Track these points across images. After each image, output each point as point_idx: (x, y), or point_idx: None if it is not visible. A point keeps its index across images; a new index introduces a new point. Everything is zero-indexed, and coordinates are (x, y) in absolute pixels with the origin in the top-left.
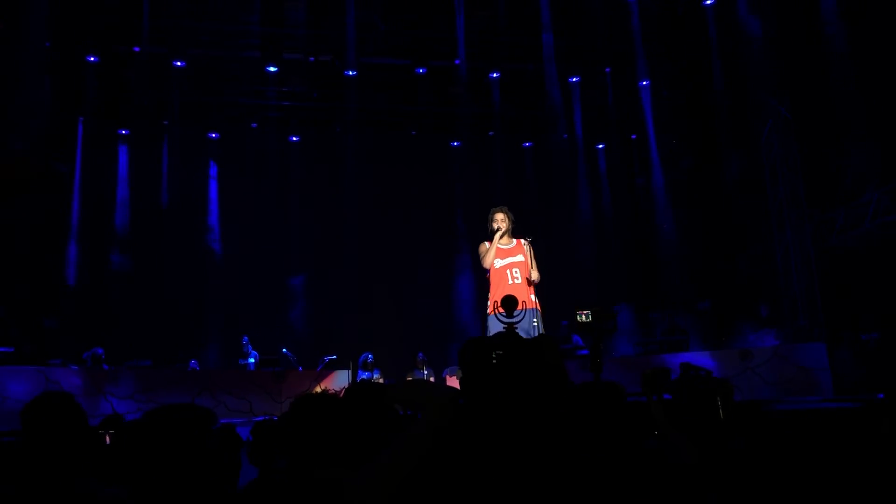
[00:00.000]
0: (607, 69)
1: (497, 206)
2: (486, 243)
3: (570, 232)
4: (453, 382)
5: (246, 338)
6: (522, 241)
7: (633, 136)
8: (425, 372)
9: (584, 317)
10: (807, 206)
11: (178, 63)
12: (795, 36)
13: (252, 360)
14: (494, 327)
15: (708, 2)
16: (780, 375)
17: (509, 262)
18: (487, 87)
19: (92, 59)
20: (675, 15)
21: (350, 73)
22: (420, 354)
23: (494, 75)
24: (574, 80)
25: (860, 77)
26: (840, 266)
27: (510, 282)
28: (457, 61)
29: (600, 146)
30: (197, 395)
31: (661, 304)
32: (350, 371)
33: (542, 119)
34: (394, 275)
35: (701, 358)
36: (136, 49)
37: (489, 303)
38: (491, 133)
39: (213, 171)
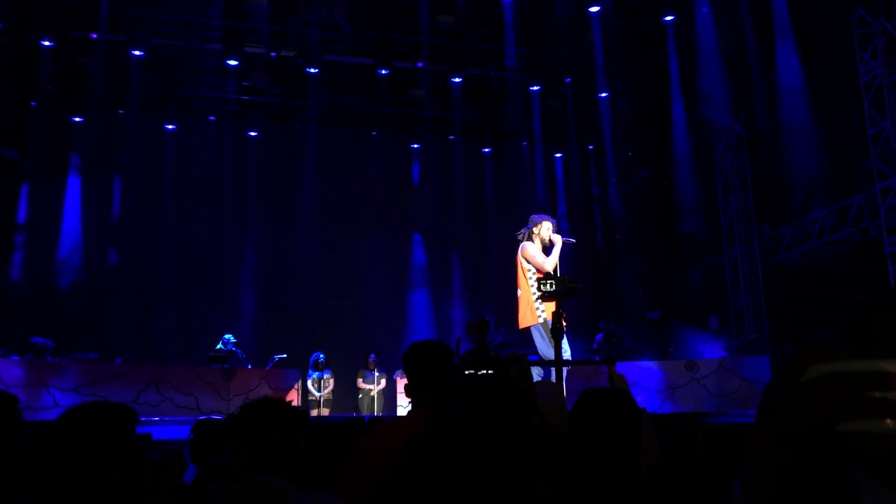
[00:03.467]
0: (567, 79)
1: (538, 213)
2: (534, 250)
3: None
4: (404, 384)
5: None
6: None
7: (591, 147)
8: (376, 373)
9: (549, 285)
10: (756, 221)
11: (137, 52)
12: (751, 57)
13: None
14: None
15: (668, 18)
16: (724, 388)
17: None
18: (449, 92)
19: (47, 43)
20: (637, 29)
21: (312, 70)
22: (372, 355)
23: (456, 80)
24: (535, 88)
25: (812, 99)
26: (786, 281)
27: None
28: (419, 64)
29: (558, 155)
30: (143, 391)
31: (611, 313)
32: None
33: (502, 126)
34: (347, 274)
35: (648, 368)
36: (94, 36)
37: (546, 310)
38: (451, 137)
39: (169, 162)
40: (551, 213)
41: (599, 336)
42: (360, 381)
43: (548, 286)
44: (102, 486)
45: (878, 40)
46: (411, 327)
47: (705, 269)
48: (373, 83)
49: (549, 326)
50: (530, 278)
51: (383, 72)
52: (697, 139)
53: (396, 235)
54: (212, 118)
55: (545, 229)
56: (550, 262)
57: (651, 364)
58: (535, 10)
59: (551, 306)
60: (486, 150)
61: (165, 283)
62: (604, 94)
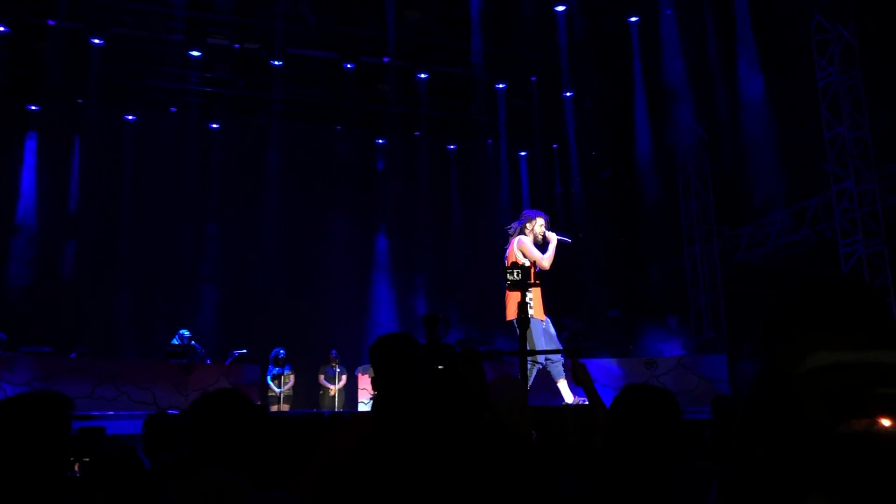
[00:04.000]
0: (533, 78)
1: (531, 209)
2: (531, 245)
3: (490, 236)
4: (365, 381)
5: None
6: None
7: (555, 146)
8: (337, 369)
9: (515, 274)
10: (716, 222)
11: (97, 41)
12: (713, 60)
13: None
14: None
15: (633, 19)
16: (682, 385)
17: None
18: (415, 87)
19: (2, 29)
20: (601, 29)
21: (276, 63)
22: (333, 352)
23: (422, 76)
24: (500, 86)
25: (772, 103)
26: (744, 281)
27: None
28: (385, 59)
29: (523, 153)
30: (98, 385)
31: (572, 311)
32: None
33: (468, 123)
34: (310, 269)
35: (607, 365)
36: (52, 22)
37: (535, 304)
38: (416, 133)
39: (128, 152)
40: (514, 212)
41: (565, 334)
42: (321, 377)
43: (514, 275)
44: (37, 475)
45: (834, 47)
46: (374, 323)
47: (666, 269)
48: (338, 77)
49: (536, 321)
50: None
51: (349, 66)
52: (660, 140)
53: (360, 231)
54: (173, 109)
55: (538, 225)
56: (548, 259)
57: (611, 362)
58: (501, 9)
59: (539, 303)
60: (452, 146)
61: (124, 277)
62: (569, 94)
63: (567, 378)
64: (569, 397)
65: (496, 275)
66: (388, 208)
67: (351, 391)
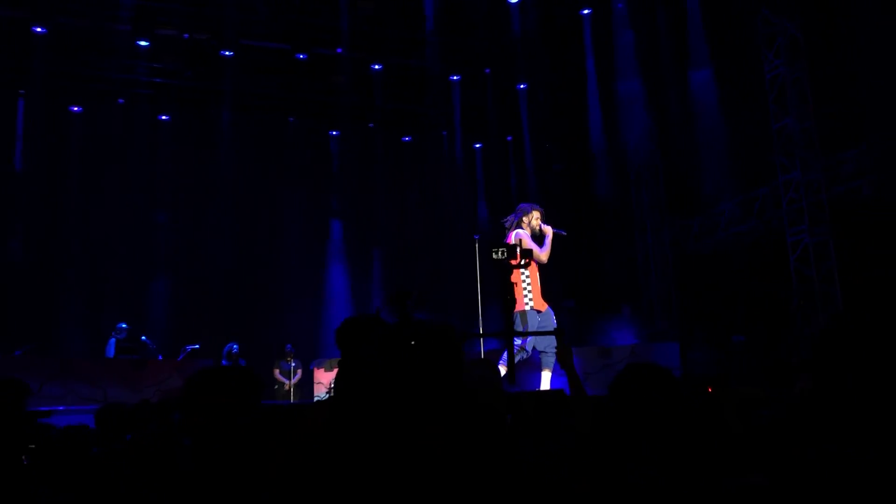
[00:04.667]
0: (487, 70)
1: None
2: (528, 238)
3: (446, 228)
4: (321, 375)
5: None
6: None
7: (510, 138)
8: (293, 364)
9: (499, 253)
10: (667, 213)
11: (39, 29)
12: (664, 52)
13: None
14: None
15: (585, 11)
16: None
17: None
18: (369, 79)
19: None
20: (555, 21)
21: (227, 53)
22: (288, 346)
23: (376, 67)
24: (455, 78)
25: (722, 95)
26: (695, 271)
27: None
28: (339, 50)
29: (478, 145)
30: (46, 383)
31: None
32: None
33: (423, 115)
34: (263, 262)
35: None
36: None
37: (535, 295)
38: (371, 125)
39: (75, 145)
40: (470, 204)
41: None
42: (276, 371)
43: (499, 254)
44: None
45: (780, 39)
46: (329, 317)
47: (619, 259)
48: (291, 68)
49: (529, 314)
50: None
51: (301, 57)
52: (612, 132)
53: (314, 223)
54: (121, 101)
55: (535, 218)
56: (545, 252)
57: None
58: (455, 0)
59: (538, 294)
60: (406, 138)
61: (71, 272)
62: (522, 86)
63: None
64: (545, 387)
65: (452, 267)
66: (342, 201)
67: (306, 386)
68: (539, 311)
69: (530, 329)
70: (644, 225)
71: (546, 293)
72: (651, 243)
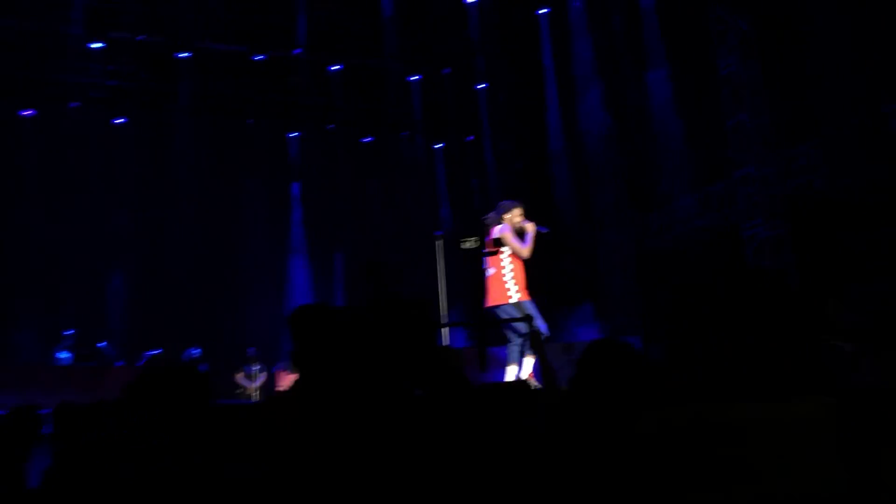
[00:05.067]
0: (446, 70)
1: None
2: (511, 234)
3: (408, 228)
4: (284, 379)
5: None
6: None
7: (471, 138)
8: (256, 367)
9: (470, 243)
10: (628, 208)
11: None
12: (621, 50)
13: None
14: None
15: (542, 11)
16: None
17: None
18: (328, 80)
19: None
20: (512, 20)
21: (183, 55)
22: (251, 350)
23: (335, 68)
24: (414, 78)
25: (677, 92)
26: (656, 265)
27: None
28: (296, 51)
29: (439, 146)
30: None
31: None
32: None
33: (383, 115)
34: (224, 266)
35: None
36: None
37: (520, 287)
38: (331, 126)
39: (27, 149)
40: (431, 204)
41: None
42: (239, 376)
43: (469, 243)
44: None
45: (733, 37)
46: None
47: (580, 256)
48: (248, 70)
49: (523, 303)
50: (503, 260)
51: (259, 58)
52: (571, 130)
53: (276, 226)
54: (74, 104)
55: (517, 215)
56: (528, 249)
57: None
58: (413, 0)
59: (523, 287)
60: (367, 139)
61: (27, 279)
62: (482, 86)
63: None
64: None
65: (416, 265)
66: (303, 203)
67: (270, 390)
68: (525, 300)
69: (528, 312)
70: (604, 221)
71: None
72: (612, 239)
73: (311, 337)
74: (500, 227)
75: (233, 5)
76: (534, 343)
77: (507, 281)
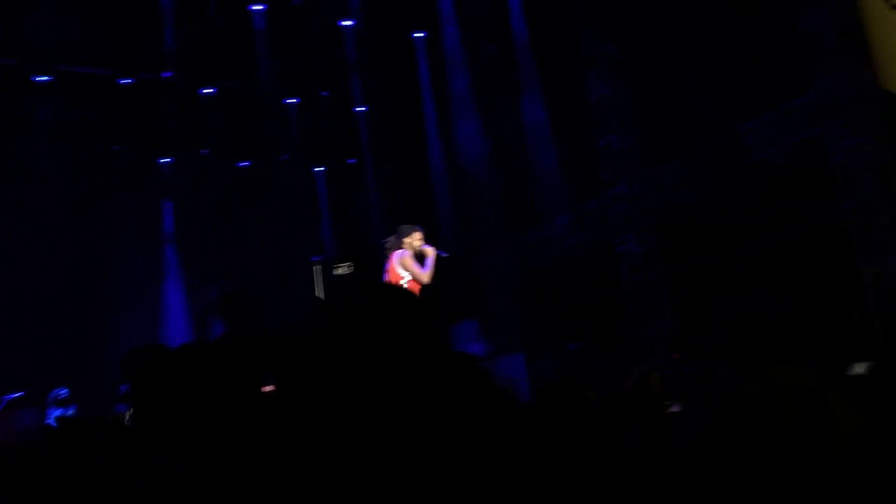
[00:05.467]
0: (325, 93)
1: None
2: (412, 259)
3: (287, 254)
4: None
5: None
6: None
7: (353, 161)
8: (129, 407)
9: (343, 269)
10: (508, 229)
11: None
12: (496, 74)
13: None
14: None
15: (418, 34)
16: None
17: None
18: (200, 104)
19: None
20: (389, 44)
21: (41, 79)
22: (123, 387)
23: (207, 91)
24: (292, 101)
25: (552, 115)
26: (537, 283)
27: None
28: (165, 74)
29: (320, 169)
30: None
31: None
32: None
33: (260, 139)
34: (92, 299)
35: None
36: None
37: None
38: (204, 151)
39: None
40: (312, 229)
41: None
42: (113, 414)
43: (341, 270)
44: None
45: (602, 60)
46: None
47: (465, 276)
48: (114, 94)
49: None
50: (402, 284)
51: (125, 82)
52: (451, 153)
53: (148, 255)
54: None
55: (417, 240)
56: (428, 274)
57: None
58: (287, 23)
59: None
60: (244, 164)
61: None
62: (361, 109)
63: None
64: None
65: (295, 292)
66: (177, 229)
67: None
68: None
69: None
70: (486, 242)
71: None
72: (494, 259)
73: (144, 381)
74: (399, 251)
75: (96, 28)
76: None
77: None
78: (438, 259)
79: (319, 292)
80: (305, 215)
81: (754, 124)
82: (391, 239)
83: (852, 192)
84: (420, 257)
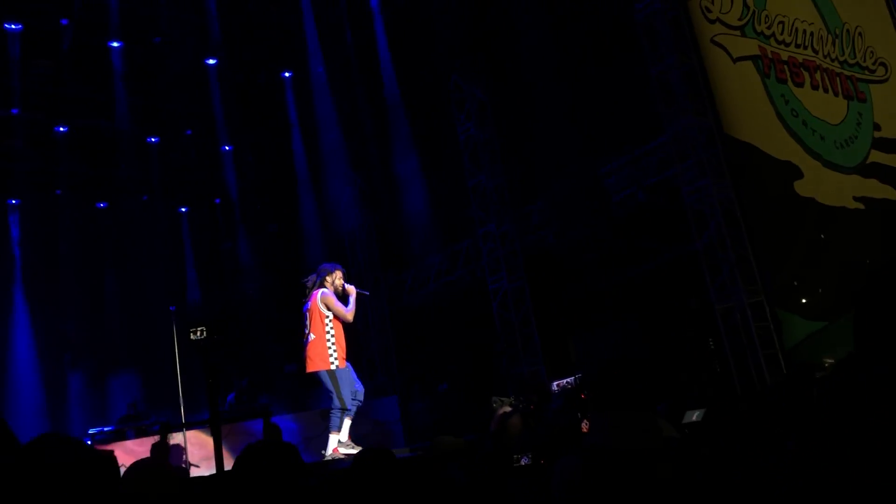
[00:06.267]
0: (188, 132)
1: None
2: (334, 298)
3: (148, 299)
4: None
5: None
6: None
7: (218, 200)
8: None
9: (197, 333)
10: (381, 269)
11: None
12: (365, 114)
13: None
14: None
15: (286, 74)
16: (357, 431)
17: None
18: (53, 143)
19: None
20: (256, 83)
21: None
22: None
23: (61, 129)
24: (153, 140)
25: (422, 154)
26: (411, 323)
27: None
28: (14, 111)
29: (183, 209)
30: None
31: (249, 369)
32: None
33: (118, 179)
34: None
35: (283, 421)
36: None
37: (339, 354)
38: (58, 192)
39: None
40: (179, 270)
41: (231, 396)
42: None
43: (197, 334)
44: None
45: (470, 104)
46: (20, 418)
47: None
48: None
49: (338, 372)
50: (327, 324)
51: None
52: (321, 193)
53: None
54: None
55: (338, 278)
56: (351, 312)
57: (287, 417)
58: (147, 59)
59: (342, 353)
60: (101, 204)
61: None
62: (227, 147)
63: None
64: (329, 450)
65: (156, 344)
66: (27, 276)
67: None
68: (342, 369)
69: (341, 385)
70: (361, 282)
71: (268, 357)
72: (367, 300)
73: None
74: (321, 290)
75: None
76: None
77: (329, 346)
78: (359, 297)
79: (176, 343)
80: (168, 257)
81: (614, 166)
82: (311, 277)
83: (703, 230)
84: (342, 296)
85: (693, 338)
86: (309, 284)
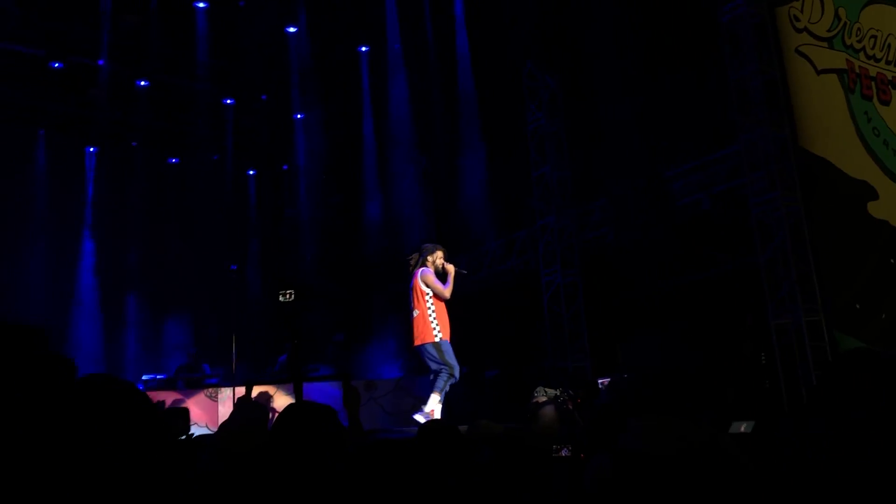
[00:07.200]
0: (263, 97)
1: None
2: (434, 276)
3: (212, 256)
4: None
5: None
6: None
7: (286, 167)
8: None
9: (286, 296)
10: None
11: None
12: (435, 96)
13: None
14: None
15: (363, 48)
16: (399, 406)
17: None
18: (133, 95)
19: None
20: (333, 54)
21: None
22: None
23: (142, 83)
24: (228, 101)
25: (488, 142)
26: (461, 307)
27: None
28: (100, 62)
29: (251, 172)
30: None
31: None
32: None
33: (192, 136)
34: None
35: (329, 388)
36: None
37: (442, 328)
38: (134, 143)
39: None
40: (240, 231)
41: (282, 357)
42: None
43: (284, 298)
44: None
45: (542, 93)
46: (79, 357)
47: (390, 295)
48: (43, 77)
49: (443, 344)
50: (428, 301)
51: (56, 66)
52: (385, 170)
53: (65, 246)
54: None
55: (439, 258)
56: (449, 290)
57: (334, 384)
58: (230, 22)
59: (445, 328)
60: (174, 160)
61: None
62: (299, 116)
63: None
64: (429, 408)
65: (220, 299)
66: (98, 221)
67: None
68: (446, 340)
69: (447, 355)
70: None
71: (317, 327)
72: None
73: None
74: (423, 269)
75: (31, 5)
76: (347, 399)
77: (431, 321)
78: (457, 275)
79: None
80: (232, 217)
81: (680, 170)
82: (414, 256)
83: (767, 244)
84: (442, 274)
85: (746, 351)
86: (412, 262)
